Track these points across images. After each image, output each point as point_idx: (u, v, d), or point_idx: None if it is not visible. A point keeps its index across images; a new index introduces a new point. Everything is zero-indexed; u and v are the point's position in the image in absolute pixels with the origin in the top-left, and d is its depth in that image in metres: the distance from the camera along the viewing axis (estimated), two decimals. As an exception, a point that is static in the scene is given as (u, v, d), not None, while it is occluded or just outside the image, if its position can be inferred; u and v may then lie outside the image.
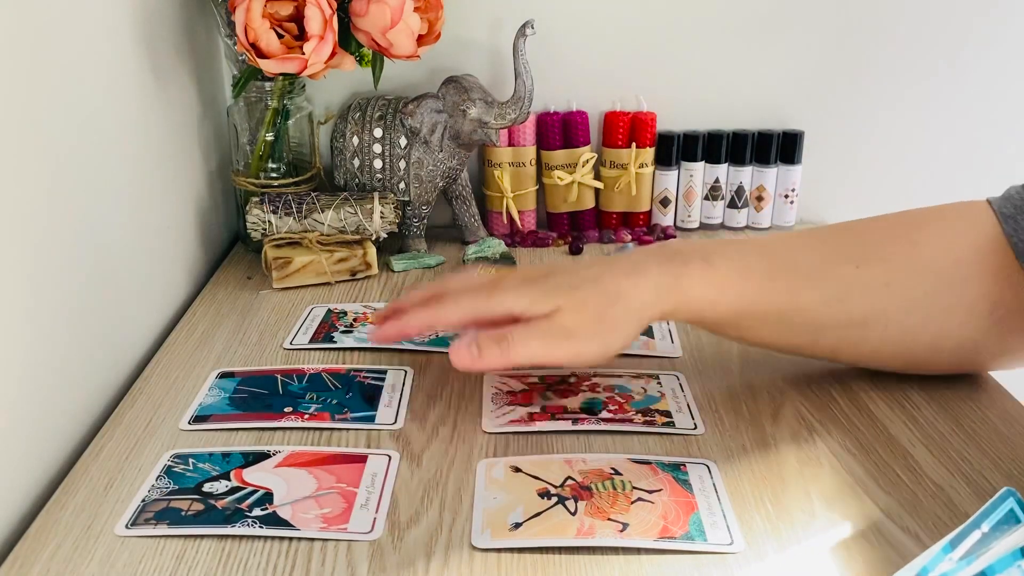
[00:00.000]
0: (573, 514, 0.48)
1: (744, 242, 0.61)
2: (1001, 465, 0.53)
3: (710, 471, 0.52)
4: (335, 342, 0.67)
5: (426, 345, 0.67)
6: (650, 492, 0.50)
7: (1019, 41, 0.90)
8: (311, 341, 0.68)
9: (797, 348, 0.61)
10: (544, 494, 0.50)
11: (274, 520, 0.48)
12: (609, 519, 0.48)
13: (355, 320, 0.71)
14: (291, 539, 0.47)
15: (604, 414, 0.58)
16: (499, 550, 0.46)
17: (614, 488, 0.50)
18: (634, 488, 0.50)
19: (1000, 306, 0.56)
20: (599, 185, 0.91)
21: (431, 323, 0.59)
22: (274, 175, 0.84)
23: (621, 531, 0.47)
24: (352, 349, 0.67)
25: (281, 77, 0.78)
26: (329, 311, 0.73)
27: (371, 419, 0.57)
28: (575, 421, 0.57)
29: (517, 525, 0.47)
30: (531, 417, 0.57)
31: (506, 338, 0.54)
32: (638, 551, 0.46)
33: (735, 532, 0.47)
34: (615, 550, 0.46)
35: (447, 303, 0.57)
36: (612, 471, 0.52)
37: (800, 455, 0.54)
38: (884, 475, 0.52)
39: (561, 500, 0.49)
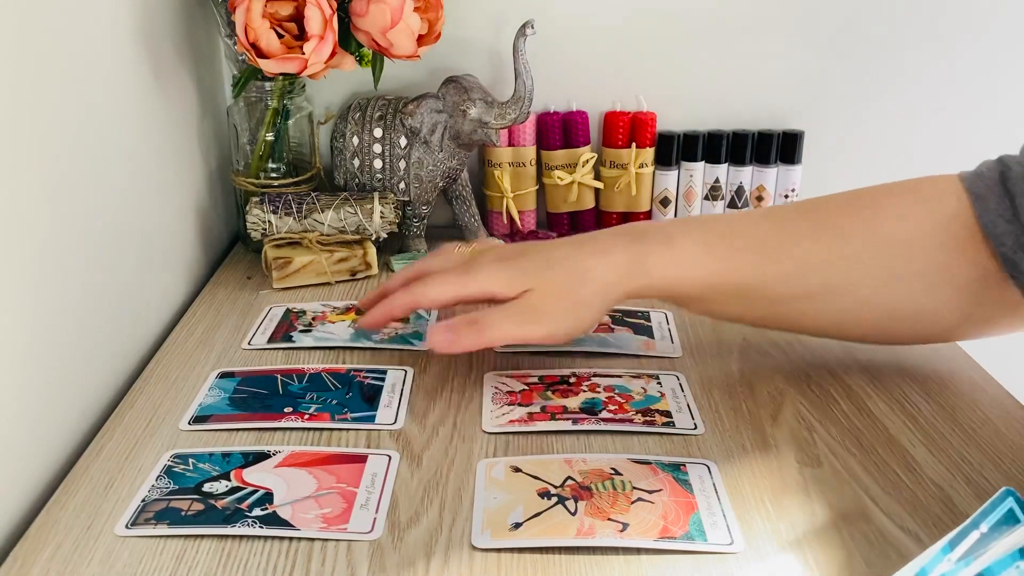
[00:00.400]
0: (573, 514, 0.48)
1: (707, 220, 0.62)
2: (1001, 465, 0.53)
3: (710, 471, 0.52)
4: (294, 342, 0.67)
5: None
6: (650, 492, 0.50)
7: (1021, 41, 0.90)
8: (269, 341, 0.67)
9: (761, 320, 0.63)
10: (544, 494, 0.50)
11: (274, 520, 0.48)
12: (609, 519, 0.48)
13: (314, 319, 0.71)
14: (291, 539, 0.47)
15: (604, 414, 0.58)
16: (499, 550, 0.46)
17: (614, 488, 0.50)
18: (634, 488, 0.50)
19: (958, 278, 0.56)
20: (599, 185, 0.91)
21: (414, 304, 0.61)
22: (274, 175, 0.84)
23: (621, 531, 0.47)
24: (313, 348, 0.66)
25: (281, 77, 0.78)
26: (288, 310, 0.73)
27: (371, 419, 0.57)
28: (575, 421, 0.57)
29: (517, 525, 0.47)
30: (531, 417, 0.57)
31: (481, 321, 0.57)
32: (638, 551, 0.46)
33: (735, 532, 0.47)
34: (615, 550, 0.46)
35: (428, 284, 0.60)
36: (612, 471, 0.52)
37: (800, 455, 0.54)
38: (884, 475, 0.52)
39: (561, 500, 0.49)
